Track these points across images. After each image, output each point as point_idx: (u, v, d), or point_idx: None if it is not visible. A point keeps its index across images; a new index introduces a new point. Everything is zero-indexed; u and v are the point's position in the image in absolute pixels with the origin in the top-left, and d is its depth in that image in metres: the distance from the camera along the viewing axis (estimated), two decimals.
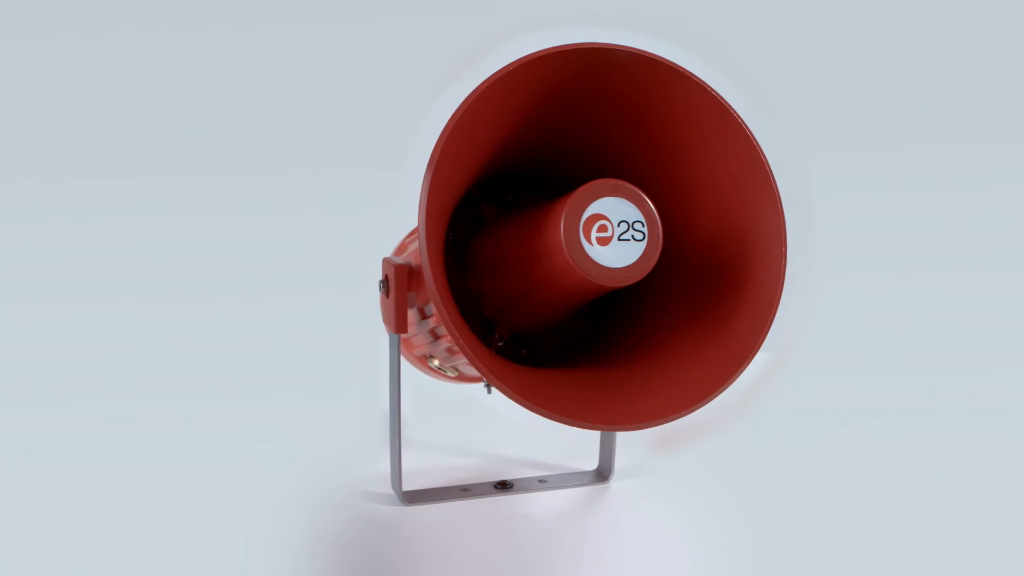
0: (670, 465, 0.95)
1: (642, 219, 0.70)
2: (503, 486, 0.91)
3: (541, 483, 0.92)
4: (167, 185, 1.37)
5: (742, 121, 0.73)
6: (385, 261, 0.85)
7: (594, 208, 0.70)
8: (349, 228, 1.03)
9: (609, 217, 0.70)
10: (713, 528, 0.84)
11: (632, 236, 0.70)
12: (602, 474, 0.93)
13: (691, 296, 0.76)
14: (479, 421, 1.04)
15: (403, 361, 0.97)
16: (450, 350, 0.87)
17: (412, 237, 0.93)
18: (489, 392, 0.95)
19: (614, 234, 0.70)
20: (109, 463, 0.94)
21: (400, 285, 0.83)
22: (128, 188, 1.35)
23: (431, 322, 0.85)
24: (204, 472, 0.93)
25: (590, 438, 0.95)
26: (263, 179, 1.37)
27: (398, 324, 0.84)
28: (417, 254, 0.88)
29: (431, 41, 1.34)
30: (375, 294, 0.89)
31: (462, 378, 0.94)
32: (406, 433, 0.92)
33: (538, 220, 0.72)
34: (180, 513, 0.86)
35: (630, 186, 0.70)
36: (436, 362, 0.92)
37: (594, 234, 0.70)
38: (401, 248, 0.92)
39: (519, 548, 0.82)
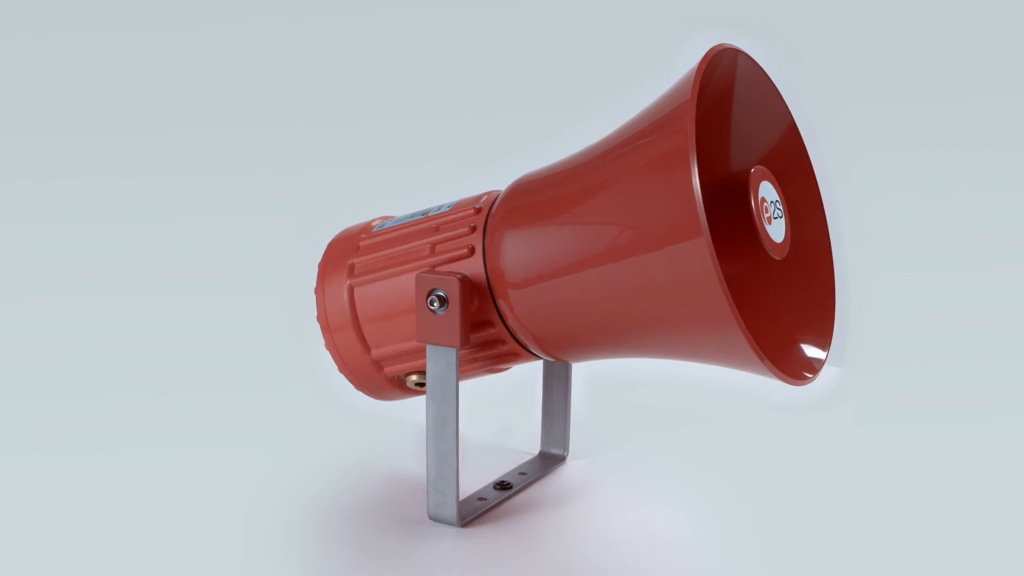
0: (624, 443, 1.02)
1: (780, 199, 0.79)
2: (503, 487, 0.91)
3: (522, 475, 0.93)
4: (165, 185, 1.39)
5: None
6: (434, 276, 0.80)
7: (760, 192, 0.77)
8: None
9: (767, 199, 0.78)
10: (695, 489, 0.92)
11: (778, 214, 0.79)
12: (558, 455, 0.97)
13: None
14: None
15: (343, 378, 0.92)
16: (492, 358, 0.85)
17: (384, 237, 0.88)
18: None
19: (771, 214, 0.78)
20: (108, 463, 0.95)
21: (466, 299, 0.80)
22: (126, 188, 1.38)
23: (488, 333, 0.82)
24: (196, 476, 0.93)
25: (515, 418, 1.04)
26: (262, 178, 1.38)
27: (463, 338, 0.80)
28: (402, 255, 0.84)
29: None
30: None
31: None
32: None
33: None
34: (200, 526, 0.85)
35: (766, 169, 0.79)
36: (414, 379, 0.88)
37: (764, 215, 0.77)
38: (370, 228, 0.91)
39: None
